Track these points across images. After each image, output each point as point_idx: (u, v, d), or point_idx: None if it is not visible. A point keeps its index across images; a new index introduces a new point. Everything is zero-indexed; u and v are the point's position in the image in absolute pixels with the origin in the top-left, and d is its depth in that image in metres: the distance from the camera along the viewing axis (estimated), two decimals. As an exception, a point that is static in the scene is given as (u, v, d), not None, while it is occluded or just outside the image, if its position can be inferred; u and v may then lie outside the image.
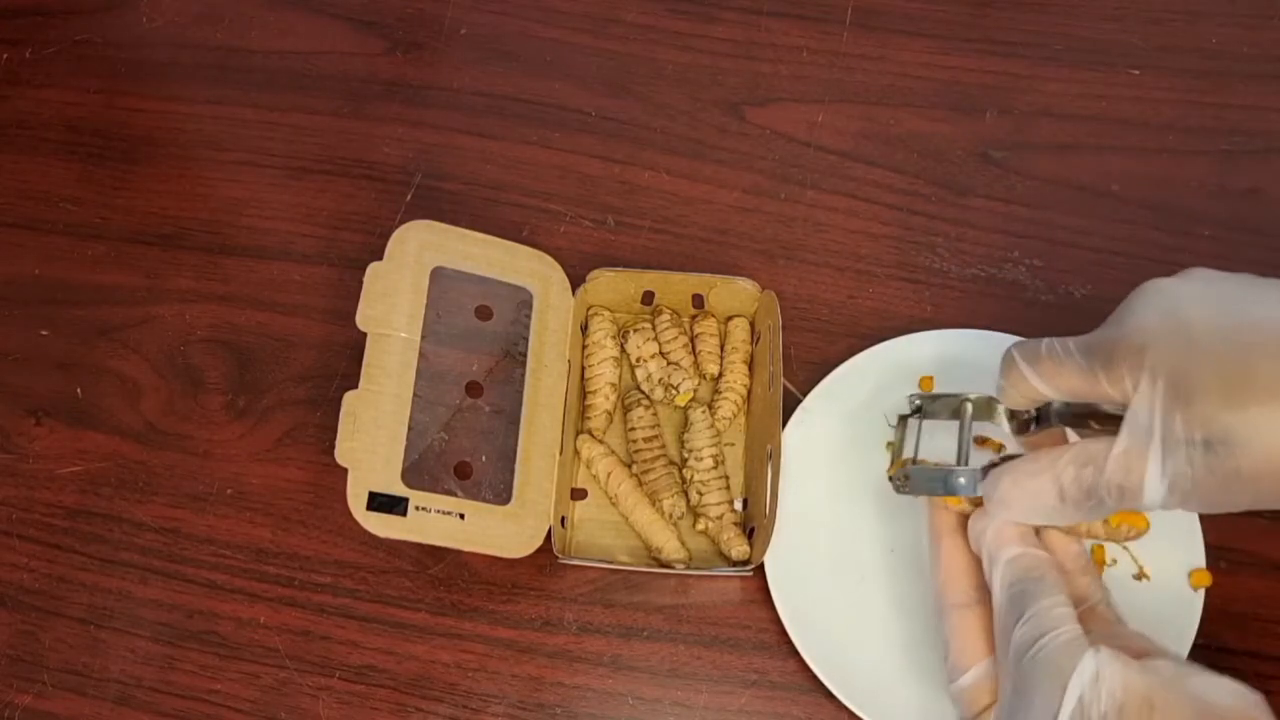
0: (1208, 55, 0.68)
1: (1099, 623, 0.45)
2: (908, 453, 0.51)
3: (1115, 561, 0.54)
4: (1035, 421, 0.48)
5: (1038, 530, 0.46)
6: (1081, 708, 0.39)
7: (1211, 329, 0.41)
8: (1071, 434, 0.47)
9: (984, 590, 0.46)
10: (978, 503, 0.47)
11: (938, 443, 0.52)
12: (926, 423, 0.52)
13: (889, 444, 0.57)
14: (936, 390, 0.56)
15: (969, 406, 0.50)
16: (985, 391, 0.50)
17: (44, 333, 0.63)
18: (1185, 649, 0.51)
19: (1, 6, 0.73)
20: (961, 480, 0.47)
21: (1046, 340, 0.45)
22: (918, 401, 0.52)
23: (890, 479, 0.50)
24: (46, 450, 0.60)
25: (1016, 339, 0.58)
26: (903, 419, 0.53)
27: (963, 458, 0.49)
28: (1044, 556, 0.45)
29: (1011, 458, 0.46)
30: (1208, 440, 0.39)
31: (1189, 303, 0.42)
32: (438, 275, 0.55)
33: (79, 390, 0.62)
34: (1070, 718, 0.39)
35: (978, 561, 0.47)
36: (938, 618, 0.47)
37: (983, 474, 0.46)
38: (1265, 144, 0.65)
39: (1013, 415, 0.49)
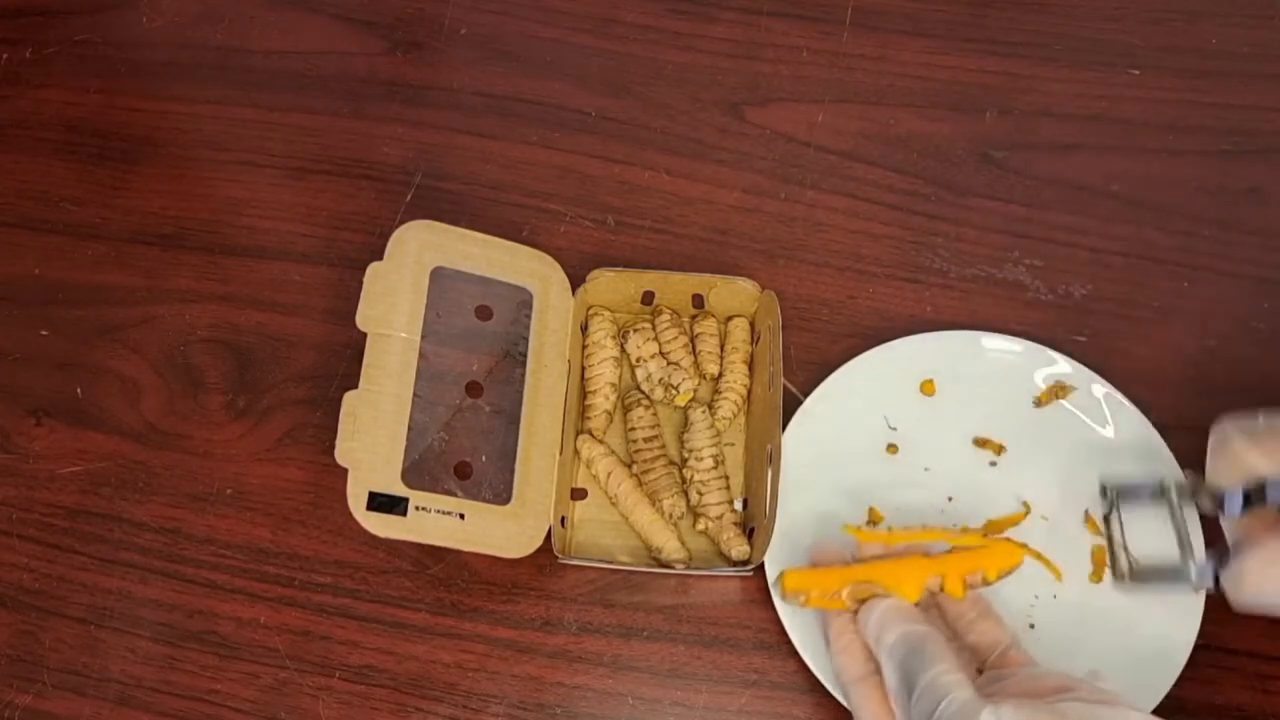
0: (1208, 55, 0.68)
1: (1013, 664, 0.46)
2: (1121, 544, 0.52)
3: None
4: (1245, 501, 0.46)
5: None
6: None
7: None
8: None
9: (877, 662, 0.47)
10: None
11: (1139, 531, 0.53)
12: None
13: (889, 446, 0.57)
14: (1128, 481, 0.55)
15: (1173, 490, 0.50)
16: (1178, 475, 0.51)
17: (44, 333, 0.63)
18: (1186, 649, 0.51)
19: (1, 6, 0.73)
20: (1194, 575, 0.48)
21: (1260, 416, 0.45)
22: (1112, 493, 0.53)
23: (1113, 575, 0.51)
24: (46, 450, 0.60)
25: (1018, 339, 0.59)
26: (1106, 517, 0.54)
27: (1185, 548, 0.49)
28: (924, 631, 0.46)
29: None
30: None
31: None
32: (438, 275, 0.55)
33: (79, 390, 0.62)
34: None
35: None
36: (842, 694, 0.49)
37: (1210, 564, 0.47)
38: (1265, 144, 0.65)
39: (1219, 498, 0.48)
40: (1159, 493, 0.51)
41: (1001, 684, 0.44)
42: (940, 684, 0.42)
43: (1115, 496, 0.53)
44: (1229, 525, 0.48)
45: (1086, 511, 0.55)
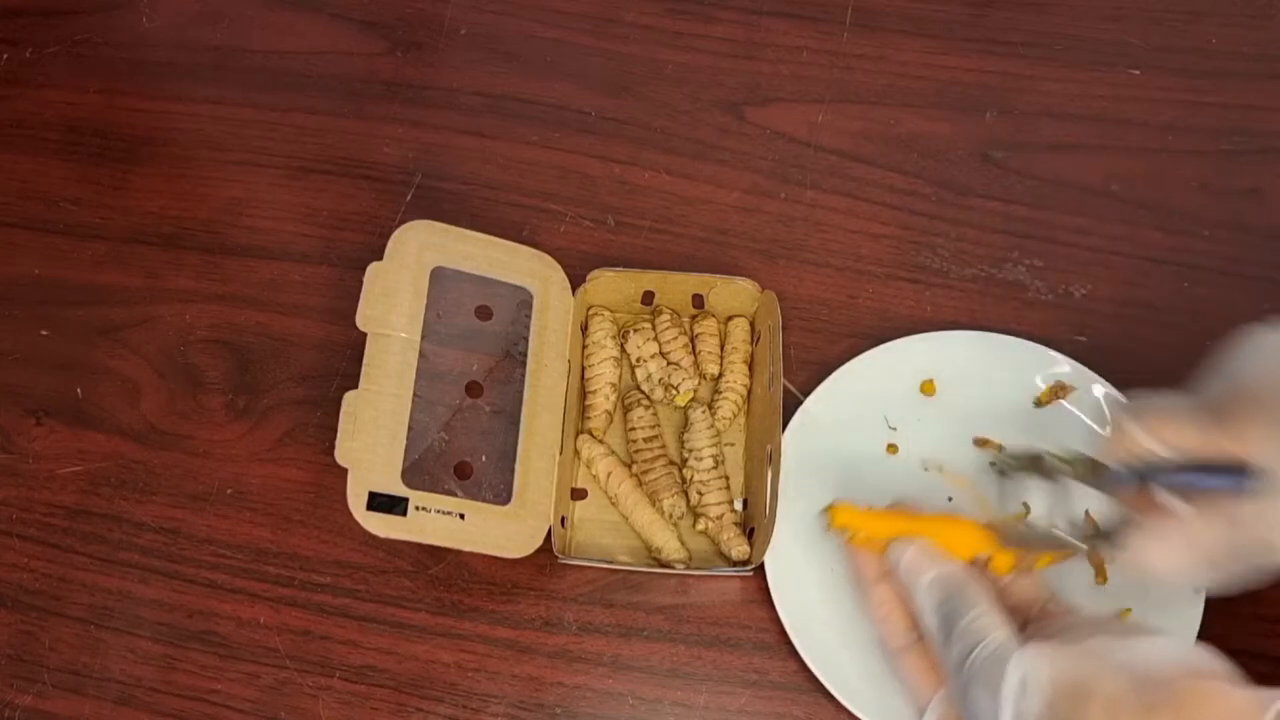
0: (1208, 55, 0.68)
1: (1051, 619, 0.45)
2: (1002, 512, 0.51)
3: (1115, 561, 0.54)
4: (1139, 480, 0.47)
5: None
6: (1018, 714, 0.39)
7: None
8: (1165, 493, 0.46)
9: (921, 627, 0.46)
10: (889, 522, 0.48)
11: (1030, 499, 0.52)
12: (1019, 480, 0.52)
13: (889, 446, 0.57)
14: (1011, 449, 0.54)
15: (1057, 464, 0.50)
16: (1075, 450, 0.50)
17: (44, 333, 0.63)
18: (1185, 649, 0.51)
19: (1, 6, 0.73)
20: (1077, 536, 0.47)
21: (1158, 398, 0.45)
22: (1006, 461, 0.52)
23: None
24: (46, 450, 0.60)
25: (1018, 339, 0.59)
26: (1001, 475, 0.53)
27: (1061, 515, 0.49)
28: (961, 570, 0.45)
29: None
30: None
31: None
32: (438, 275, 0.55)
33: (79, 390, 0.62)
34: None
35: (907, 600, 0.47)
36: (888, 662, 0.48)
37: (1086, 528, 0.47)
38: (1265, 144, 0.65)
39: (1106, 473, 0.48)
40: (1045, 470, 0.50)
41: (1045, 633, 0.43)
42: (977, 627, 0.42)
43: (1003, 470, 0.52)
44: (1117, 502, 0.48)
45: (1087, 511, 0.55)
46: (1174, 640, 0.40)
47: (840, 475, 0.57)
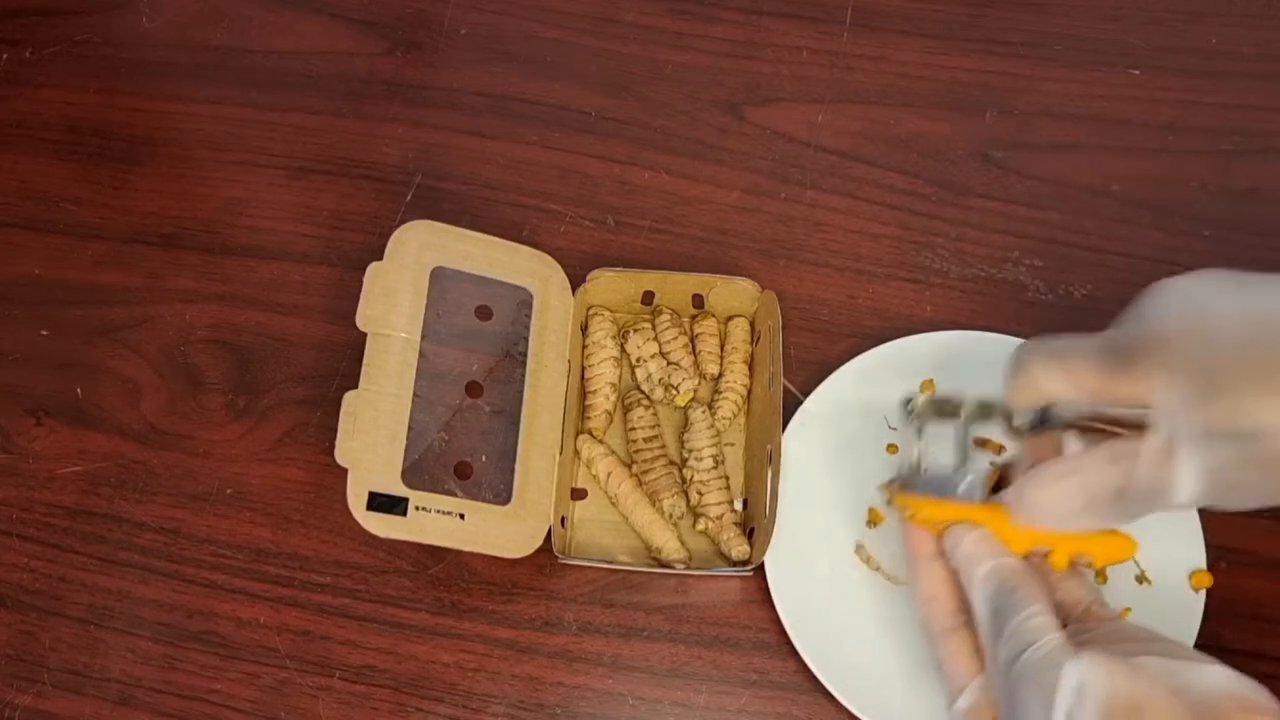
0: (1208, 55, 0.68)
1: (1095, 622, 0.45)
2: (908, 459, 0.51)
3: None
4: (1039, 424, 0.47)
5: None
6: (1071, 718, 0.38)
7: (1234, 322, 0.40)
8: (1070, 438, 0.46)
9: (967, 611, 0.46)
10: (961, 512, 0.47)
11: (939, 447, 0.52)
12: (929, 425, 0.52)
13: (889, 446, 0.57)
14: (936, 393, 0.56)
15: (965, 409, 0.49)
16: (980, 394, 0.49)
17: (44, 333, 0.63)
18: (1185, 649, 0.51)
19: (1, 6, 0.73)
20: (961, 487, 0.47)
21: (1061, 339, 0.45)
22: (913, 405, 0.51)
23: (884, 489, 0.49)
24: (46, 450, 0.60)
25: (1017, 339, 0.59)
26: (903, 418, 0.52)
27: (963, 462, 0.49)
28: (1019, 565, 0.44)
29: (1005, 463, 0.46)
30: (1240, 431, 0.39)
31: (1207, 298, 0.42)
32: (438, 275, 0.55)
33: (79, 390, 0.62)
34: None
35: (957, 583, 0.46)
36: (928, 643, 0.47)
37: (987, 479, 0.46)
38: (1265, 144, 0.65)
39: (1011, 418, 0.48)
40: (953, 410, 0.50)
41: (1087, 636, 0.43)
42: (1032, 626, 0.42)
43: (914, 411, 0.51)
44: (1020, 446, 0.48)
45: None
46: (1227, 671, 0.39)
47: (840, 475, 0.57)
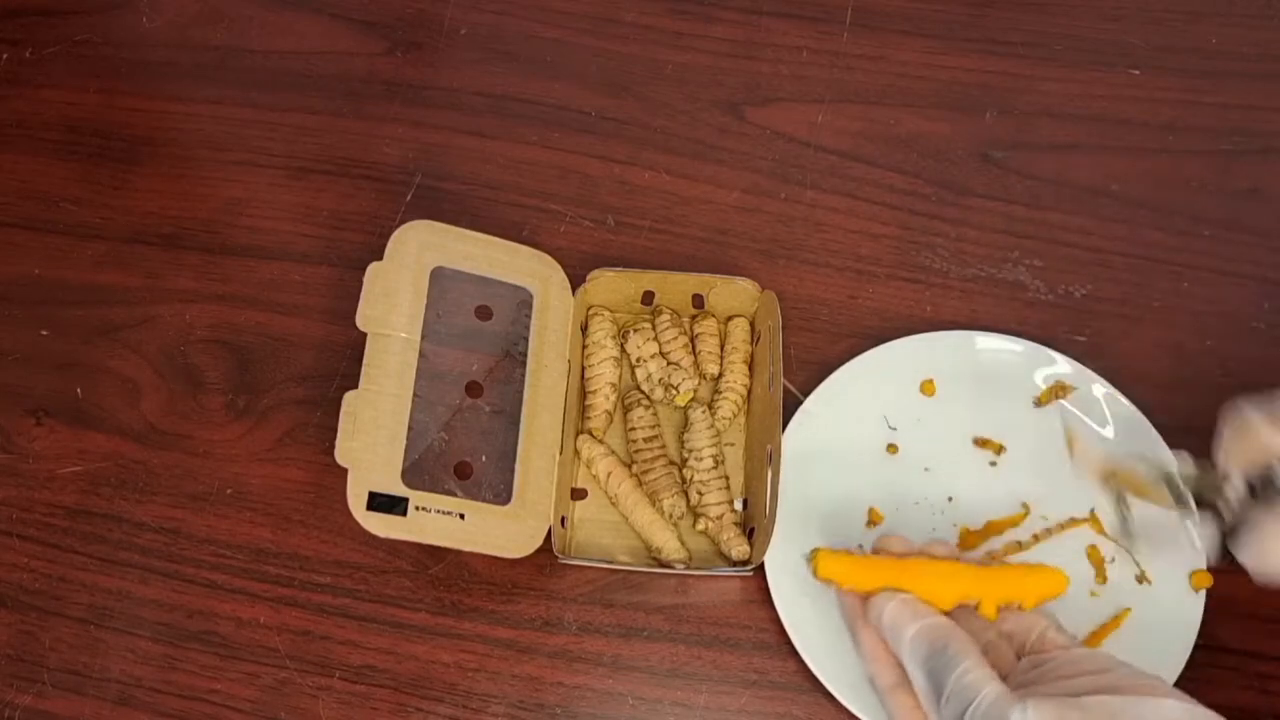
0: (1208, 55, 0.68)
1: (1053, 647, 0.45)
2: (1127, 509, 0.51)
3: (1114, 559, 0.54)
4: (1253, 490, 0.46)
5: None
6: None
7: None
8: None
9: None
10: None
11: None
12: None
13: (889, 446, 0.57)
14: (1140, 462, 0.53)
15: (1177, 477, 0.49)
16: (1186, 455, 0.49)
17: (44, 333, 0.63)
18: (1186, 649, 0.51)
19: (1, 6, 0.73)
20: (1197, 539, 0.47)
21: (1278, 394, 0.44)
22: (1117, 486, 0.51)
23: (1120, 531, 0.50)
24: (46, 450, 0.60)
25: (1017, 339, 0.59)
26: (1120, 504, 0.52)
27: (1187, 517, 0.48)
28: (944, 622, 0.44)
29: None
30: None
31: None
32: (438, 275, 0.55)
33: (79, 390, 0.62)
34: None
35: None
36: (878, 699, 0.47)
37: (1215, 531, 0.46)
38: (1265, 144, 0.65)
39: (1221, 480, 0.47)
40: (1161, 480, 0.50)
41: (1039, 671, 0.43)
42: (967, 683, 0.41)
43: (1120, 488, 0.51)
44: (1235, 507, 0.47)
45: (1092, 510, 0.55)
46: (1182, 704, 0.39)
47: (840, 475, 0.57)
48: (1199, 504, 0.48)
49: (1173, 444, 0.55)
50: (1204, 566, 0.53)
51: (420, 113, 0.69)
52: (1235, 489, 0.46)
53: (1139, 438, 0.56)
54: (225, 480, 0.59)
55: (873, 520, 0.56)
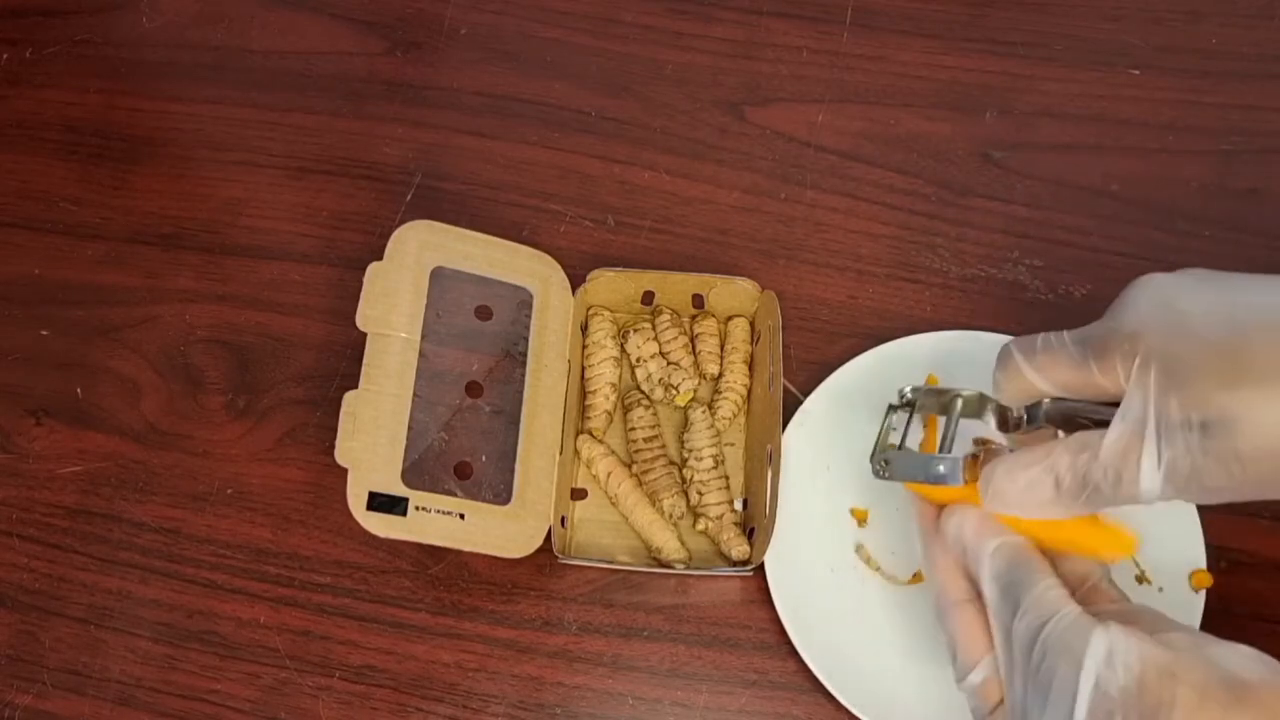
0: (1208, 55, 0.68)
1: (1103, 600, 0.45)
2: (893, 441, 0.51)
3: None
4: (1026, 421, 0.47)
5: None
6: (1100, 687, 0.38)
7: (1205, 314, 0.41)
8: (1061, 434, 0.46)
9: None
10: (963, 494, 0.46)
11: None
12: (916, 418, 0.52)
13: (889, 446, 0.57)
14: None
15: (959, 402, 0.49)
16: (978, 389, 0.49)
17: (44, 333, 0.63)
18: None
19: (1, 6, 0.73)
20: (942, 468, 0.46)
21: (1043, 334, 0.45)
22: (909, 395, 0.51)
23: (871, 462, 0.49)
24: (46, 450, 0.60)
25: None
26: (891, 408, 0.52)
27: (946, 448, 0.48)
28: (1025, 542, 0.44)
29: (989, 448, 0.46)
30: (1204, 422, 0.39)
31: (1183, 292, 0.42)
32: (438, 275, 0.55)
33: (79, 390, 0.62)
34: (1090, 699, 0.38)
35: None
36: (938, 616, 0.46)
37: (965, 462, 0.46)
38: (1265, 144, 0.65)
39: (1003, 413, 0.48)
40: (948, 402, 0.50)
41: (1098, 613, 0.42)
42: (1049, 599, 0.41)
43: (906, 400, 0.51)
44: (1008, 440, 0.49)
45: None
46: (1254, 650, 0.39)
47: (840, 475, 0.57)
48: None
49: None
50: (1203, 566, 0.53)
51: (420, 113, 0.69)
52: (1014, 421, 0.48)
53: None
54: (225, 480, 0.59)
55: (859, 519, 0.56)
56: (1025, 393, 0.46)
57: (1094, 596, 0.45)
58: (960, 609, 0.45)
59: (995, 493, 0.44)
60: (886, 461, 0.48)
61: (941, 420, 0.50)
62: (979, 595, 0.45)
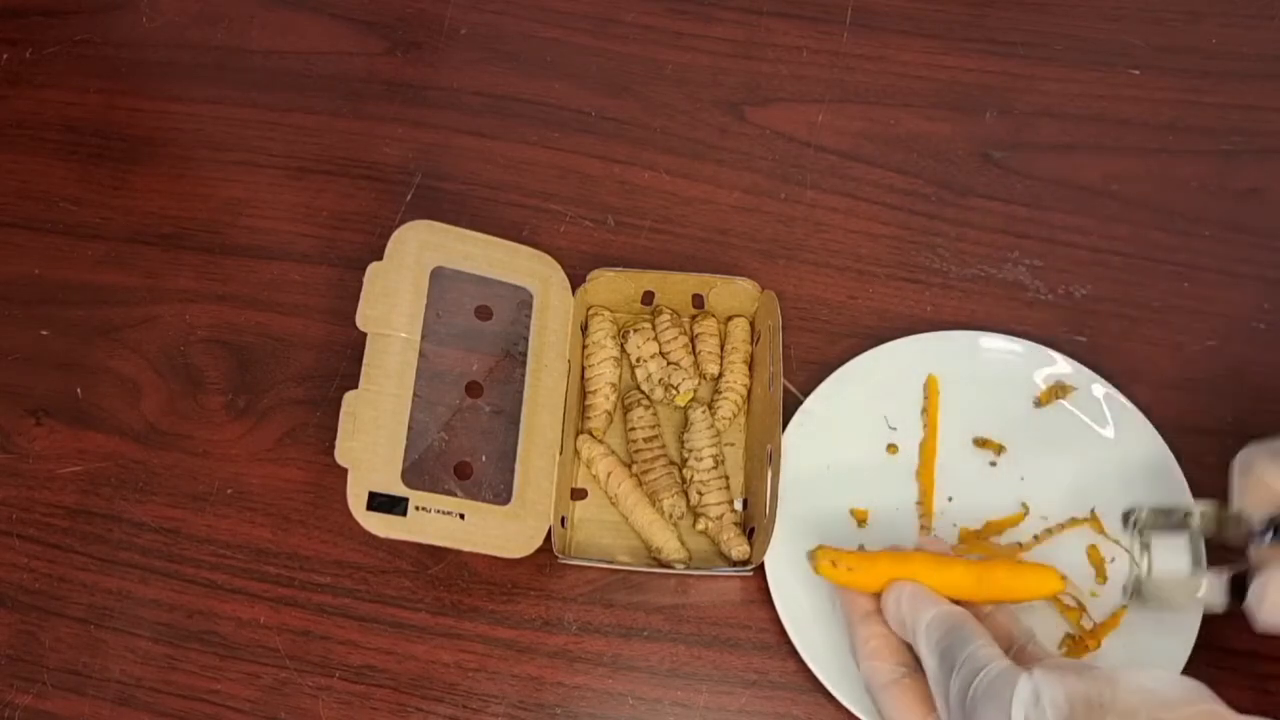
0: (1208, 55, 0.68)
1: (1031, 660, 0.46)
2: (1135, 571, 0.50)
3: (1114, 559, 0.54)
4: (1274, 532, 0.46)
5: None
6: None
7: None
8: None
9: (908, 663, 0.47)
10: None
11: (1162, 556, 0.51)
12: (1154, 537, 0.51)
13: (889, 446, 0.57)
14: (1159, 504, 0.52)
15: (1196, 517, 0.49)
16: (1209, 501, 0.49)
17: (44, 333, 0.63)
18: (1186, 649, 0.51)
19: (1, 6, 0.73)
20: (1201, 593, 0.47)
21: None
22: (1136, 518, 0.51)
23: (1129, 600, 0.50)
24: (46, 450, 0.60)
25: (1017, 339, 0.59)
26: (1130, 530, 0.51)
27: (1199, 568, 0.49)
28: (958, 610, 0.46)
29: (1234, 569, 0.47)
30: None
31: None
32: (438, 275, 0.55)
33: (79, 390, 0.62)
34: None
35: (895, 638, 0.48)
36: (872, 700, 0.48)
37: (1229, 584, 0.47)
38: (1265, 144, 0.65)
39: (1240, 524, 0.48)
40: (1181, 520, 0.50)
41: (1028, 664, 0.44)
42: (980, 655, 0.43)
43: (1138, 524, 0.51)
44: (1255, 553, 0.48)
45: (1093, 510, 0.55)
46: (1174, 675, 0.41)
47: (840, 475, 0.57)
48: (1220, 545, 0.49)
49: (1171, 444, 0.55)
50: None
51: (420, 113, 0.69)
52: (1255, 533, 0.47)
53: (1139, 438, 0.56)
54: (225, 480, 0.59)
55: (863, 521, 0.56)
56: (1271, 501, 0.45)
57: (1023, 658, 0.46)
58: (894, 687, 0.47)
59: (1272, 609, 0.45)
60: (1138, 592, 0.49)
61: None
62: (910, 672, 0.47)
